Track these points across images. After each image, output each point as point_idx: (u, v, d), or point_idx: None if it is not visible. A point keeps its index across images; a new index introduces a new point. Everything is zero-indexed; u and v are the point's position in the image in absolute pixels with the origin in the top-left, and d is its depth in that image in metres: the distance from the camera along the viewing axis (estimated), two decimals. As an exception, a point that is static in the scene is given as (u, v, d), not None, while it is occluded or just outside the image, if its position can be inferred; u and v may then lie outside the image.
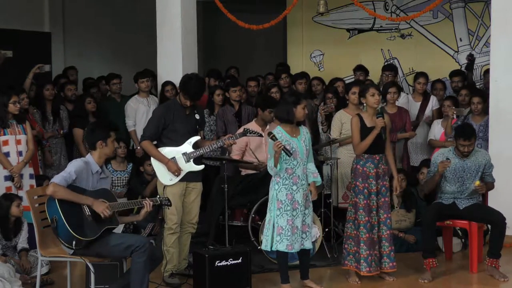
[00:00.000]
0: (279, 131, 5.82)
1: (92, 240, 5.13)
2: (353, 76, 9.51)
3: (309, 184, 5.92)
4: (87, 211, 5.16)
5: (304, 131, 5.97)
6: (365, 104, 6.25)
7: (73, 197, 5.13)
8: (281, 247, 5.80)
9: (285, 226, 5.78)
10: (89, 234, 5.12)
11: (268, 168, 5.84)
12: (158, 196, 5.68)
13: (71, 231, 5.03)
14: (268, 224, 5.87)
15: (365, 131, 6.15)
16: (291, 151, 5.73)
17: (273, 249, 5.86)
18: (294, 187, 5.82)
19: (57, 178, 5.16)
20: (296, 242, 5.81)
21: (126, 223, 6.67)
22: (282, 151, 5.66)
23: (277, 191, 5.82)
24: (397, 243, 6.86)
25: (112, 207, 5.24)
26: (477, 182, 6.39)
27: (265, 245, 5.91)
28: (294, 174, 5.82)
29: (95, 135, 5.41)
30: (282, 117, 5.91)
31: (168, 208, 5.88)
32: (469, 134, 6.37)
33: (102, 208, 5.16)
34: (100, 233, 5.16)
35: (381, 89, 7.19)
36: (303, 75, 9.22)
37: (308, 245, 5.95)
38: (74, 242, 5.06)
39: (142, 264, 5.16)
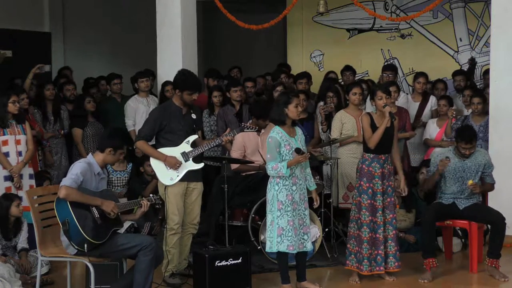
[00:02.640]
0: (279, 131, 5.82)
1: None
2: (343, 77, 9.50)
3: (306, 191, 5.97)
4: (96, 213, 5.17)
5: (300, 132, 5.97)
6: (373, 106, 6.28)
7: (85, 199, 5.15)
8: (282, 247, 5.78)
9: (286, 226, 5.77)
10: (100, 236, 5.14)
11: (270, 170, 5.78)
12: (152, 195, 5.70)
13: (84, 234, 5.04)
14: (270, 225, 5.84)
15: (374, 130, 6.16)
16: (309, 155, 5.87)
17: (275, 250, 5.85)
18: (294, 188, 5.82)
19: (67, 181, 5.15)
20: (297, 243, 5.81)
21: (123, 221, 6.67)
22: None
23: (277, 192, 5.80)
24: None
25: (118, 207, 5.28)
26: (470, 181, 6.38)
27: (269, 247, 5.88)
28: (293, 175, 5.81)
29: (110, 141, 5.42)
30: (275, 119, 5.88)
31: (158, 206, 5.87)
32: (470, 138, 6.38)
33: (111, 207, 5.19)
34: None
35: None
36: (304, 75, 9.22)
37: (309, 246, 5.95)
38: (86, 245, 5.06)
39: (147, 263, 5.18)
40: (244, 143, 7.08)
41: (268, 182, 5.91)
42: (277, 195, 5.79)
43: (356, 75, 9.89)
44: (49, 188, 5.40)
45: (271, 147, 5.76)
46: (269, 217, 5.87)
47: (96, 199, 5.21)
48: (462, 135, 6.43)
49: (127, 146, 5.63)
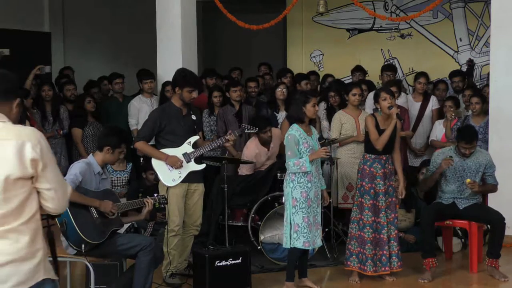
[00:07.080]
0: (298, 129, 5.86)
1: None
2: (353, 78, 9.50)
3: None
4: (94, 213, 5.16)
5: (315, 132, 6.03)
6: (379, 108, 6.28)
7: (82, 199, 5.12)
8: (298, 244, 5.82)
9: (301, 223, 5.81)
10: (98, 236, 5.12)
11: (292, 166, 5.79)
12: (156, 194, 5.65)
13: (81, 235, 5.02)
14: (285, 222, 5.91)
15: (378, 132, 6.16)
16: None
17: (291, 246, 5.87)
18: (309, 185, 5.85)
19: None
20: (312, 239, 5.85)
21: (128, 222, 6.65)
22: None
23: (292, 189, 5.85)
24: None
25: (118, 208, 5.27)
26: (468, 180, 6.38)
27: (285, 243, 5.92)
28: (308, 173, 5.84)
29: (107, 139, 5.38)
30: (293, 116, 5.97)
31: (163, 206, 5.81)
32: (471, 138, 6.38)
33: (109, 207, 5.17)
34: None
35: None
36: (309, 74, 9.22)
37: (319, 242, 6.00)
38: (83, 245, 5.06)
39: (147, 263, 5.18)
40: (256, 154, 7.18)
41: (284, 180, 5.97)
42: (291, 192, 5.85)
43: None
44: (49, 188, 5.38)
45: (291, 144, 5.81)
46: (284, 214, 5.94)
47: (94, 200, 5.18)
48: (463, 135, 6.44)
49: (126, 145, 5.57)
